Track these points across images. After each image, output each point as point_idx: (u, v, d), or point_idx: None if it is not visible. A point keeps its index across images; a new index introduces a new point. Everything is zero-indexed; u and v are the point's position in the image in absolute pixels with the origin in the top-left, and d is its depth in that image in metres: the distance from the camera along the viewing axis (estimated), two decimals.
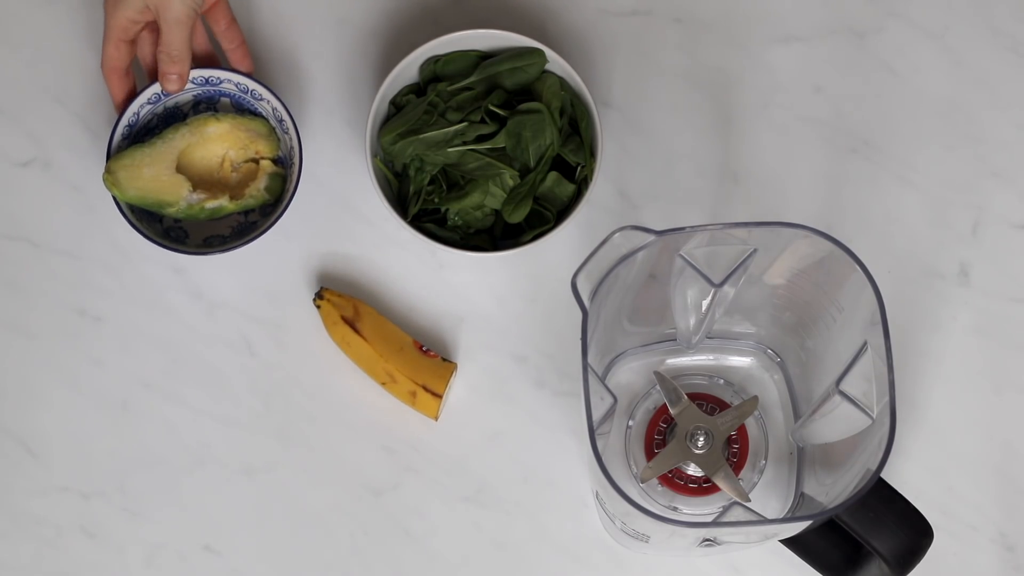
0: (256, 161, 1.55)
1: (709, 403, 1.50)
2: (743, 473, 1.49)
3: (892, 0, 1.61)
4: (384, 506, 1.52)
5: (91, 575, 1.51)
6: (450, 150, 1.52)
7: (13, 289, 1.55)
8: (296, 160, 1.52)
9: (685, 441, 1.42)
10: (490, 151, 1.52)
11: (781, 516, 1.49)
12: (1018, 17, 1.61)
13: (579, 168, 1.53)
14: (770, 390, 1.53)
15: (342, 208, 1.57)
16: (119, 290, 1.55)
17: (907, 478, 1.52)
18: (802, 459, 1.50)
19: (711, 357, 1.53)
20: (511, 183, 1.52)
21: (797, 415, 1.51)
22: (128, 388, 1.54)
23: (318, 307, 1.53)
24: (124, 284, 1.56)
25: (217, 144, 1.53)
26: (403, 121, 1.52)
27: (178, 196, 1.52)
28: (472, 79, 1.53)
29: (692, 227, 1.30)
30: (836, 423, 1.36)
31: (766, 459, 1.50)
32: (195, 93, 1.55)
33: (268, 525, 1.52)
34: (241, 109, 1.56)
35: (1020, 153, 1.59)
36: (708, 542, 1.34)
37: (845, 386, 1.31)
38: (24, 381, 1.54)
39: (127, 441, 1.53)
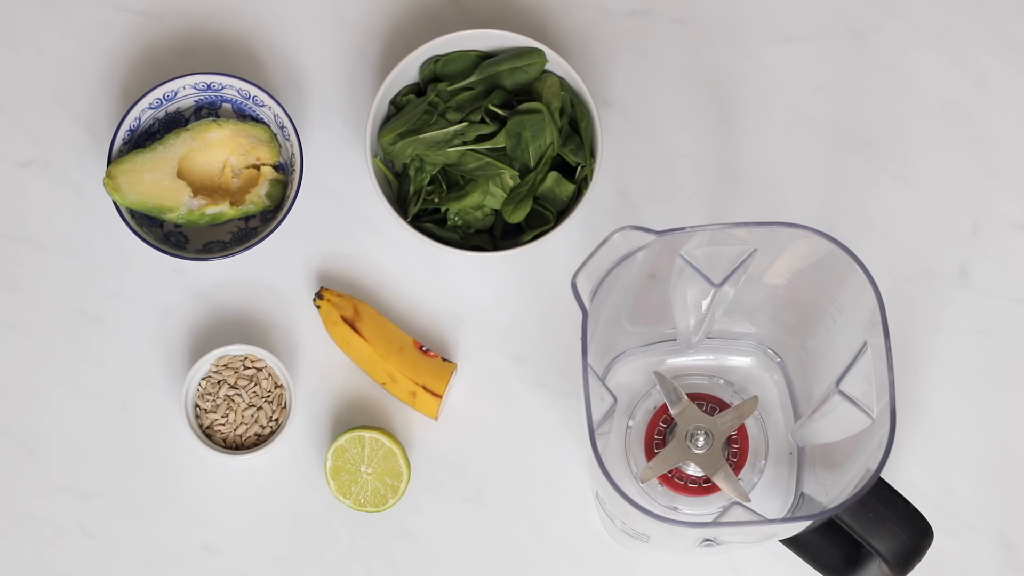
0: (257, 167, 1.55)
1: (709, 403, 1.50)
2: (743, 473, 1.49)
3: (892, 0, 1.61)
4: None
5: (91, 575, 1.51)
6: (450, 150, 1.52)
7: (13, 289, 1.55)
8: (297, 167, 1.52)
9: (685, 441, 1.42)
10: (490, 151, 1.52)
11: (781, 516, 1.49)
12: (1018, 17, 1.61)
13: (579, 168, 1.53)
14: (770, 390, 1.53)
15: (342, 208, 1.57)
16: (119, 290, 1.55)
17: (907, 478, 1.52)
18: (802, 459, 1.50)
19: (711, 357, 1.53)
20: (511, 183, 1.52)
21: (797, 415, 1.51)
22: (128, 388, 1.54)
23: (318, 307, 1.53)
24: (124, 284, 1.56)
25: (218, 150, 1.53)
26: (403, 121, 1.52)
27: (178, 202, 1.52)
28: (472, 79, 1.53)
29: (692, 227, 1.30)
30: (836, 423, 1.36)
31: (766, 459, 1.50)
32: (197, 99, 1.55)
33: (268, 525, 1.52)
34: (243, 115, 1.56)
35: (1020, 153, 1.59)
36: (708, 542, 1.34)
37: (845, 386, 1.31)
38: (24, 381, 1.54)
39: (127, 441, 1.53)
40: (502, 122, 1.52)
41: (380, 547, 1.51)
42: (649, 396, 1.52)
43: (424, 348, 1.52)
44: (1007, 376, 1.55)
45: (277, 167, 1.55)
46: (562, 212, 1.52)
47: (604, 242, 1.29)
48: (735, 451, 1.49)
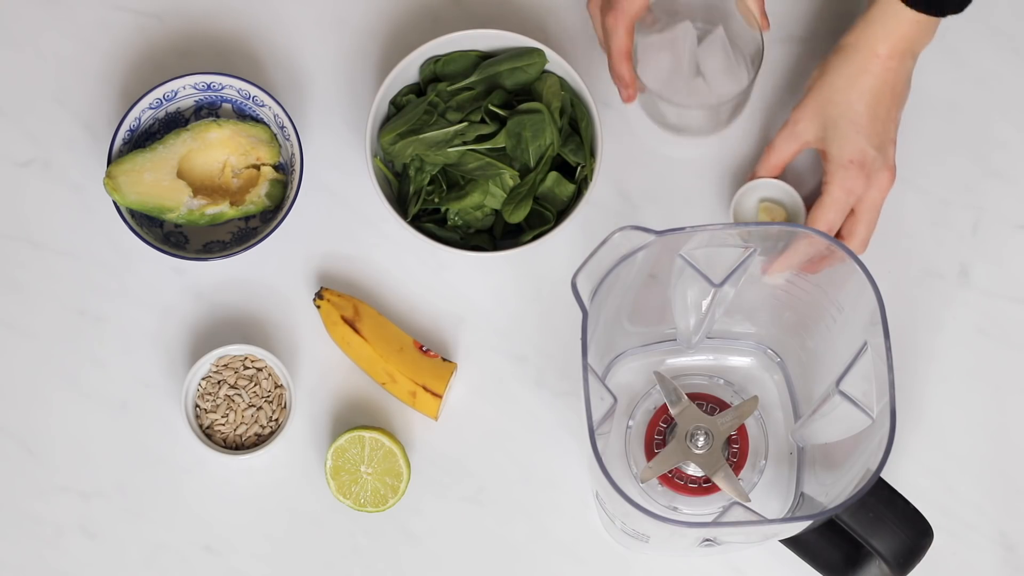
0: (257, 167, 1.55)
1: (709, 403, 1.50)
2: (743, 473, 1.49)
3: None
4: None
5: (91, 575, 1.51)
6: (450, 150, 1.52)
7: (13, 289, 1.55)
8: (297, 167, 1.52)
9: (685, 441, 1.42)
10: (490, 151, 1.52)
11: (781, 516, 1.49)
12: (1018, 17, 1.61)
13: (579, 168, 1.53)
14: (770, 390, 1.53)
15: (342, 208, 1.57)
16: (119, 290, 1.56)
17: (907, 478, 1.52)
18: (802, 459, 1.50)
19: (711, 357, 1.53)
20: (511, 183, 1.52)
21: (797, 415, 1.51)
22: (128, 388, 1.54)
23: (318, 307, 1.53)
24: (124, 284, 1.56)
25: (218, 150, 1.53)
26: (403, 121, 1.52)
27: (178, 202, 1.52)
28: (472, 79, 1.53)
29: (692, 227, 1.30)
30: (836, 423, 1.36)
31: (766, 459, 1.50)
32: (197, 99, 1.55)
33: (268, 525, 1.52)
34: (243, 115, 1.56)
35: (1020, 153, 1.59)
36: (708, 542, 1.34)
37: (845, 386, 1.31)
38: (24, 381, 1.54)
39: (127, 441, 1.53)
40: (502, 122, 1.52)
41: (380, 547, 1.51)
42: (649, 396, 1.52)
43: (424, 348, 1.52)
44: (1007, 376, 1.55)
45: (277, 167, 1.55)
46: (562, 212, 1.52)
47: (604, 242, 1.29)
48: (735, 451, 1.49)
